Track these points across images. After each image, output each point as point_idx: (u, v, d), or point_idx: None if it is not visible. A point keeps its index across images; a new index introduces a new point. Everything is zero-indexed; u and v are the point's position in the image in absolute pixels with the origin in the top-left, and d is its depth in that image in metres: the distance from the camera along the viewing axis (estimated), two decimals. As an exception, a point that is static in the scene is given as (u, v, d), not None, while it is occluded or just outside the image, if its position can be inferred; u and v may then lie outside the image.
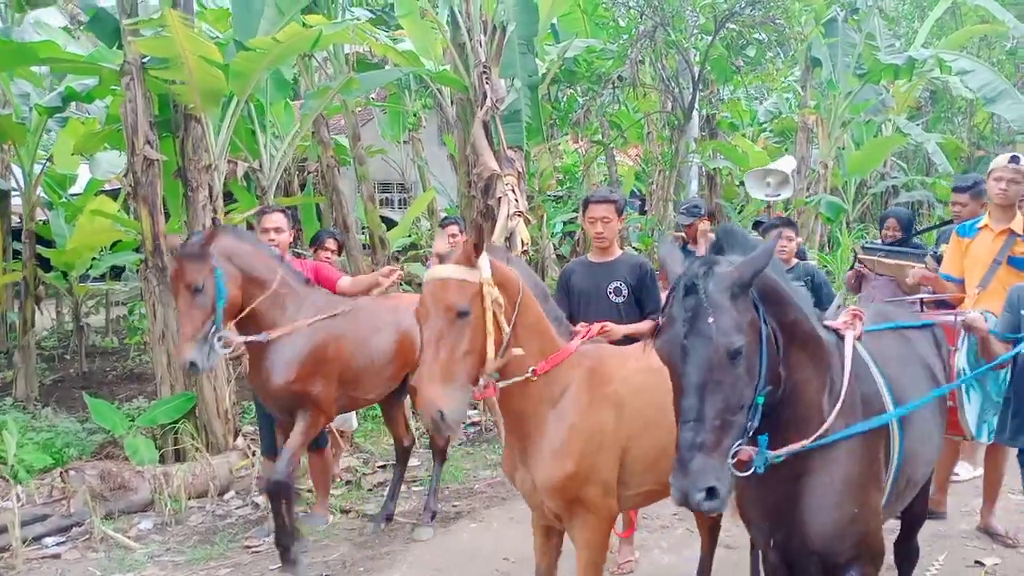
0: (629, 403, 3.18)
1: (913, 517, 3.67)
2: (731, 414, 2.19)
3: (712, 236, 5.83)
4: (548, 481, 3.09)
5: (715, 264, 2.29)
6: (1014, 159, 4.42)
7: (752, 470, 2.33)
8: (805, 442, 2.45)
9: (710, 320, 2.17)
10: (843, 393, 2.55)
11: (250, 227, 6.68)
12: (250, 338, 4.51)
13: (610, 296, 4.13)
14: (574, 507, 3.13)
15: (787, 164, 9.30)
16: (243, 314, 4.46)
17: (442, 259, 2.96)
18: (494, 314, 2.88)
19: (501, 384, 3.02)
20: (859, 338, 2.82)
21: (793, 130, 13.27)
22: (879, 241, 6.44)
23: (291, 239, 5.32)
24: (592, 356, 3.27)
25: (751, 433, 2.27)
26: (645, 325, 3.85)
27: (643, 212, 14.27)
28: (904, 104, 13.94)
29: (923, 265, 4.98)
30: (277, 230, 4.99)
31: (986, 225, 4.49)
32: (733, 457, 2.19)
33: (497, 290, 2.90)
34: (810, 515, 2.55)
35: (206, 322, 4.21)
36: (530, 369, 3.03)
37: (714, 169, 13.61)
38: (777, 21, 9.98)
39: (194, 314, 4.20)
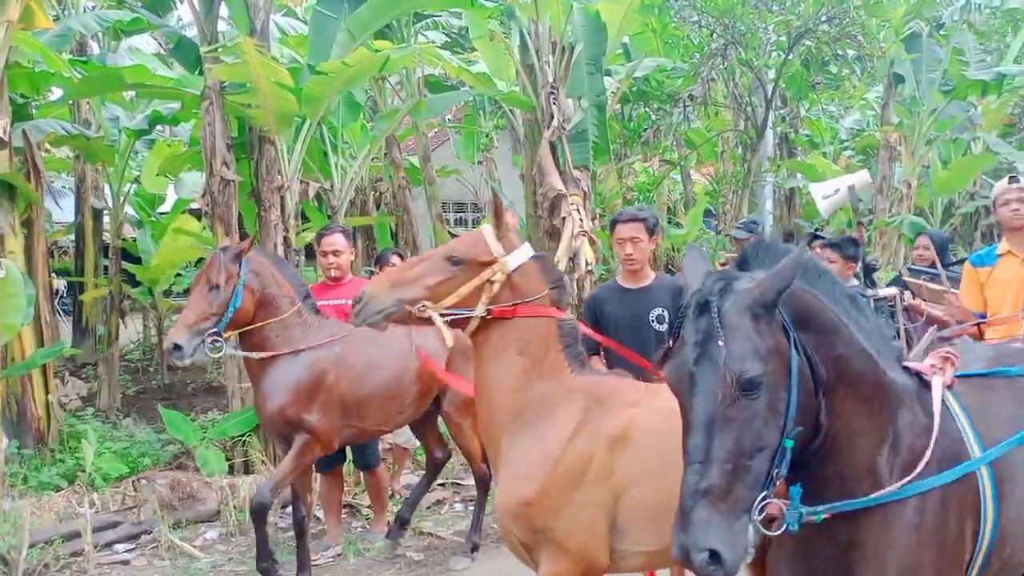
0: (634, 442, 2.81)
1: None
2: (746, 458, 1.85)
3: None
4: (506, 504, 2.87)
5: (735, 280, 1.98)
6: (1013, 179, 4.23)
7: (784, 528, 1.95)
8: (845, 504, 2.03)
9: (720, 343, 1.86)
10: (928, 454, 2.09)
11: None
12: (239, 353, 4.57)
13: (654, 324, 3.89)
14: (539, 540, 2.83)
15: (859, 178, 8.96)
16: (248, 329, 4.53)
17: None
18: (482, 285, 2.86)
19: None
20: (950, 386, 2.31)
21: (876, 148, 12.86)
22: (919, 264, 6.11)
23: (352, 258, 5.40)
24: (602, 386, 2.97)
25: (777, 483, 1.91)
26: None
27: (717, 232, 14.04)
28: (995, 121, 13.34)
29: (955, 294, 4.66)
30: (335, 252, 5.07)
31: (1008, 251, 4.28)
32: (760, 512, 1.85)
33: (510, 277, 2.88)
34: None
35: (209, 319, 4.34)
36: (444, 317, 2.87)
37: (791, 189, 13.29)
38: (855, 36, 9.71)
39: (202, 307, 4.35)
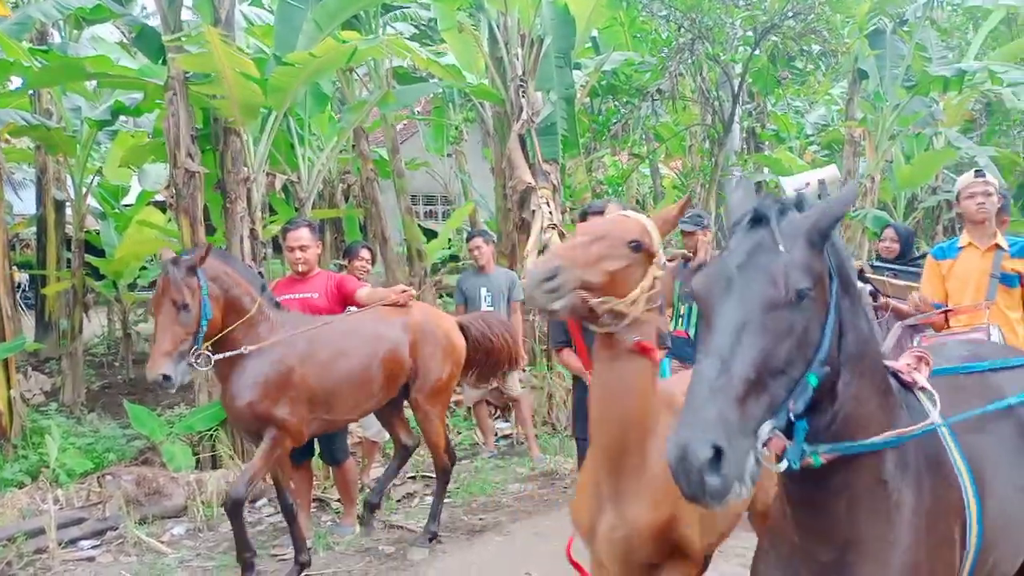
0: None
1: None
2: (770, 375, 1.69)
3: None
4: (648, 526, 2.66)
5: (789, 208, 1.90)
6: (979, 173, 4.35)
7: (785, 464, 1.80)
8: (849, 446, 1.91)
9: (780, 248, 1.76)
10: (912, 456, 2.04)
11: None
12: (220, 355, 4.50)
13: None
14: (674, 554, 2.71)
15: (829, 172, 9.08)
16: (218, 336, 4.48)
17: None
18: (653, 280, 2.57)
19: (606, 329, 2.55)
20: (923, 388, 2.28)
21: (841, 143, 13.04)
22: (881, 257, 6.21)
23: (319, 252, 5.37)
24: (666, 388, 2.87)
25: (791, 417, 1.75)
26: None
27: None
28: (957, 117, 13.58)
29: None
30: (302, 247, 5.04)
31: (969, 244, 4.38)
32: (764, 443, 1.68)
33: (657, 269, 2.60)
34: None
35: (187, 339, 4.28)
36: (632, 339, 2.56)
37: (758, 183, 13.42)
38: (820, 32, 9.83)
39: (176, 330, 4.26)
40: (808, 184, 8.18)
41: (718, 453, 1.57)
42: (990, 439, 2.33)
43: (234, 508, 4.54)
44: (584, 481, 2.89)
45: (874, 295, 5.41)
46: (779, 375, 1.72)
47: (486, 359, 5.70)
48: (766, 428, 1.68)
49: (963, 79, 10.87)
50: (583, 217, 4.03)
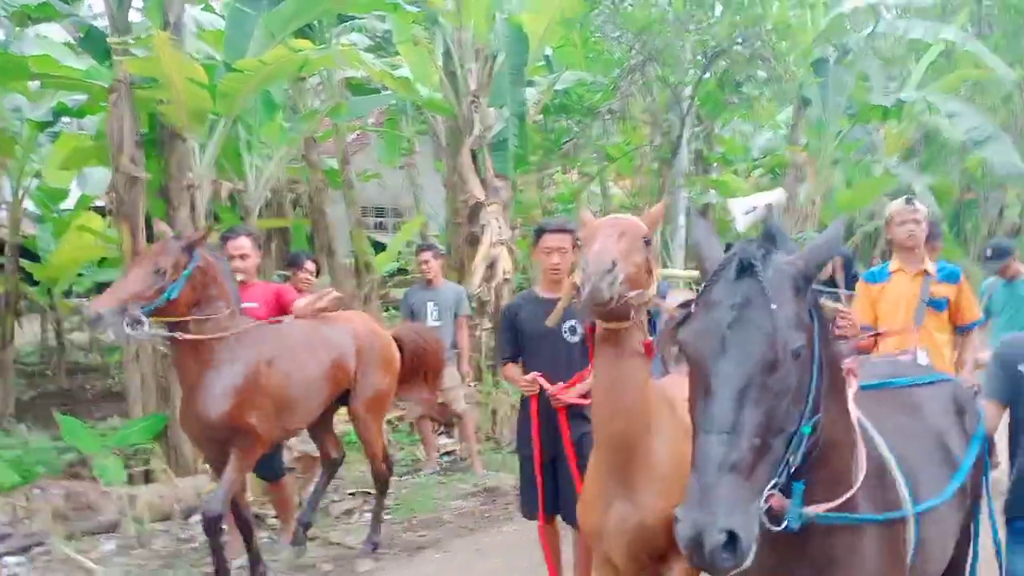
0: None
1: None
2: (772, 436, 1.69)
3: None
4: (664, 511, 2.65)
5: (773, 251, 1.86)
6: (910, 201, 4.48)
7: (784, 526, 1.81)
8: (840, 500, 1.97)
9: (772, 307, 1.71)
10: (863, 459, 2.11)
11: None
12: (160, 333, 4.38)
13: (564, 335, 3.84)
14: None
15: (776, 196, 9.31)
16: (177, 321, 4.34)
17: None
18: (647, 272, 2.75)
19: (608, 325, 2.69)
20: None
21: (785, 167, 13.35)
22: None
23: (259, 261, 5.30)
24: (660, 385, 3.01)
25: (790, 471, 1.77)
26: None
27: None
28: (897, 145, 14.03)
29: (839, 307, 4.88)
30: (242, 256, 4.96)
31: (899, 269, 4.51)
32: (765, 502, 1.69)
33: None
34: None
35: (142, 299, 4.15)
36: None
37: (704, 204, 13.66)
38: (767, 59, 10.06)
39: (137, 287, 4.17)
40: (756, 208, 8.37)
41: (732, 536, 1.59)
42: (916, 448, 2.46)
43: (211, 525, 4.42)
44: (590, 482, 2.98)
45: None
46: (780, 433, 1.73)
47: (417, 370, 5.69)
48: (767, 489, 1.70)
49: (902, 109, 11.26)
50: (539, 234, 4.00)
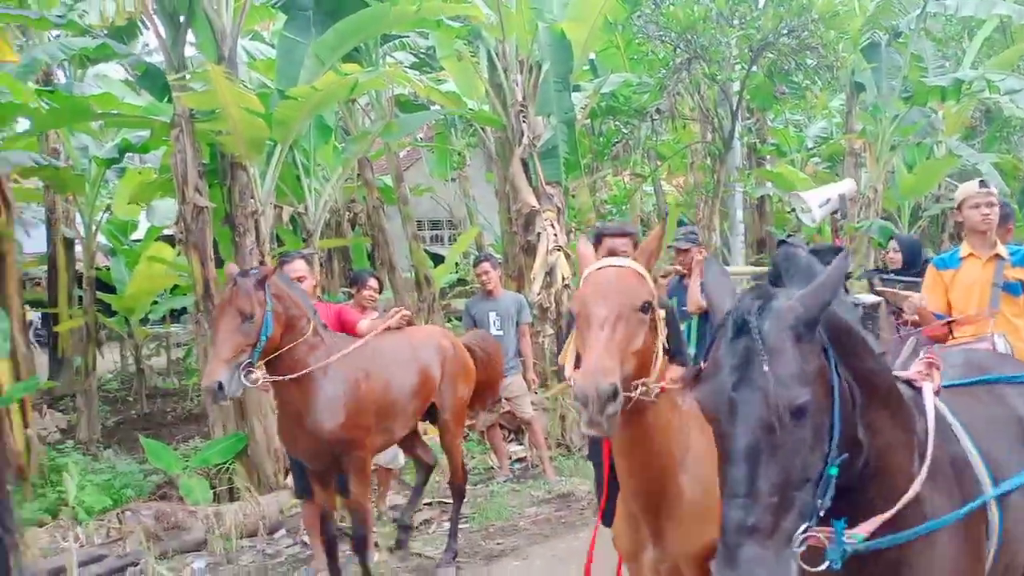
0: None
1: None
2: (793, 489, 1.74)
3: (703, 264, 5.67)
4: (695, 555, 2.63)
5: (772, 298, 1.85)
6: (983, 183, 4.34)
7: (826, 565, 1.84)
8: (886, 515, 1.96)
9: (765, 368, 1.73)
10: (928, 456, 2.07)
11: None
12: (275, 377, 4.47)
13: None
14: None
15: (848, 186, 9.13)
16: (274, 355, 4.43)
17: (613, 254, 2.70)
18: (662, 332, 2.54)
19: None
20: (937, 392, 2.31)
21: (842, 155, 13.11)
22: (880, 268, 6.23)
23: (315, 282, 5.46)
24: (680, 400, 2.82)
25: (822, 514, 1.81)
26: (676, 372, 3.69)
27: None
28: (956, 125, 13.64)
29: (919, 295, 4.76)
30: (299, 279, 5.09)
31: (970, 254, 4.39)
32: (801, 544, 1.75)
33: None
34: None
35: (245, 351, 4.19)
36: (654, 386, 2.51)
37: (760, 197, 13.50)
38: (815, 48, 9.92)
39: (236, 339, 4.17)
40: (829, 200, 8.27)
41: None
42: (1001, 441, 2.40)
43: (361, 544, 4.74)
44: (620, 519, 2.87)
45: (896, 313, 5.41)
46: (802, 485, 1.76)
47: (483, 378, 5.82)
48: (799, 532, 1.75)
49: (960, 88, 10.94)
50: (598, 238, 3.90)
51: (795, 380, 1.75)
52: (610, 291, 2.44)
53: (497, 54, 8.77)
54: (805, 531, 1.76)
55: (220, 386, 4.11)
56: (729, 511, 1.72)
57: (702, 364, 1.88)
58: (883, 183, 12.03)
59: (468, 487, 6.80)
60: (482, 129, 10.23)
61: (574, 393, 2.29)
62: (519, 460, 7.84)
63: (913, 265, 6.02)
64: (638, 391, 2.41)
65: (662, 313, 2.58)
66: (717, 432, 1.81)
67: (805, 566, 1.80)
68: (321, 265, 9.24)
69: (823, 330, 1.85)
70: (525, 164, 8.62)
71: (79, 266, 11.00)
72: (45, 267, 11.71)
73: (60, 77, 10.77)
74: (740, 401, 1.75)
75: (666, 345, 2.65)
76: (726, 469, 1.76)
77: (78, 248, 10.86)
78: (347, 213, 11.88)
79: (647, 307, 2.45)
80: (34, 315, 13.77)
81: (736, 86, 11.05)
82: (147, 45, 11.96)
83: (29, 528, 5.87)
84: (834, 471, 1.81)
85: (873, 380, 1.98)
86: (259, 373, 4.33)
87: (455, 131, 12.57)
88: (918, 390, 2.27)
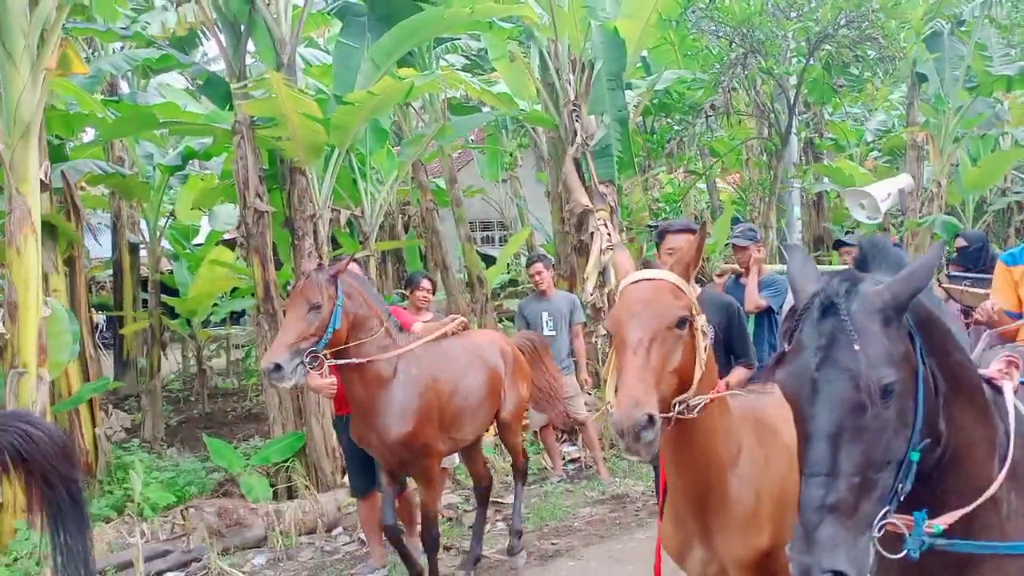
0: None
1: None
2: (875, 471, 1.72)
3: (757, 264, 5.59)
4: (742, 560, 2.63)
5: (860, 281, 1.84)
6: None
7: (904, 552, 1.81)
8: (965, 509, 1.91)
9: (856, 347, 1.72)
10: (1009, 457, 2.00)
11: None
12: (341, 361, 4.46)
13: None
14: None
15: (905, 181, 8.93)
16: (340, 349, 4.44)
17: (648, 266, 2.62)
18: (704, 345, 2.49)
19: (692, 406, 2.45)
20: (1016, 391, 2.24)
21: (903, 149, 12.79)
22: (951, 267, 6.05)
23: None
24: (750, 404, 2.76)
25: (902, 498, 1.79)
26: (742, 374, 3.57)
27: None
28: (1023, 116, 13.20)
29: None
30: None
31: None
32: (879, 530, 1.73)
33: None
34: None
35: (308, 339, 4.23)
36: (696, 400, 2.46)
37: (818, 193, 13.24)
38: (876, 38, 9.70)
39: (301, 327, 4.22)
40: (890, 195, 8.09)
41: (839, 574, 1.64)
42: None
43: (432, 544, 4.87)
44: (669, 510, 2.85)
45: (966, 312, 5.24)
46: (884, 467, 1.74)
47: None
48: (879, 518, 1.73)
49: (1028, 77, 10.58)
50: (661, 235, 3.80)
51: (883, 360, 1.74)
52: (643, 311, 2.40)
53: (549, 54, 8.77)
54: (884, 516, 1.73)
55: (277, 367, 4.16)
56: (808, 490, 1.70)
57: (786, 347, 1.86)
58: (946, 177, 11.69)
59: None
60: (533, 129, 10.25)
61: (611, 423, 2.29)
62: (572, 461, 7.82)
63: (980, 260, 5.83)
64: (676, 409, 2.38)
65: (702, 320, 2.52)
66: (797, 413, 1.79)
67: (885, 552, 1.77)
68: (376, 267, 9.36)
69: (910, 318, 1.84)
70: (578, 163, 8.60)
71: (143, 270, 11.35)
72: (111, 271, 12.10)
73: (124, 88, 11.13)
74: (823, 380, 1.74)
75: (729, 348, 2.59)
76: (806, 449, 1.75)
77: (143, 253, 11.22)
78: (401, 216, 12.01)
79: (683, 322, 2.41)
80: (100, 318, 14.23)
81: (793, 80, 10.86)
82: (206, 54, 12.28)
83: (96, 524, 6.08)
84: (916, 456, 1.78)
85: (958, 374, 1.95)
86: (322, 356, 4.34)
87: (506, 132, 12.61)
88: (998, 389, 2.20)
